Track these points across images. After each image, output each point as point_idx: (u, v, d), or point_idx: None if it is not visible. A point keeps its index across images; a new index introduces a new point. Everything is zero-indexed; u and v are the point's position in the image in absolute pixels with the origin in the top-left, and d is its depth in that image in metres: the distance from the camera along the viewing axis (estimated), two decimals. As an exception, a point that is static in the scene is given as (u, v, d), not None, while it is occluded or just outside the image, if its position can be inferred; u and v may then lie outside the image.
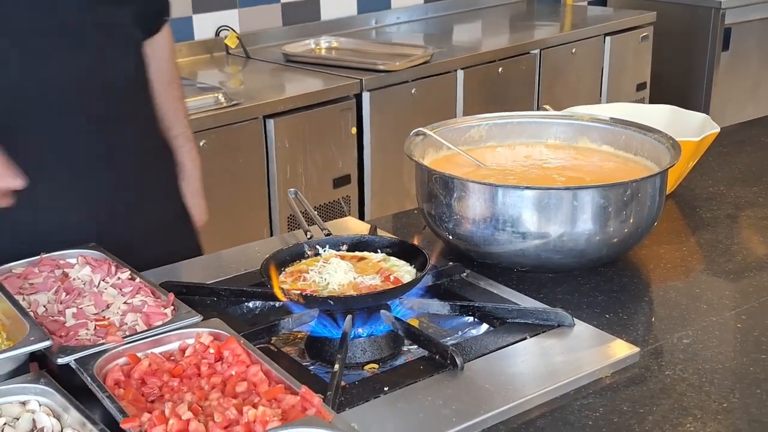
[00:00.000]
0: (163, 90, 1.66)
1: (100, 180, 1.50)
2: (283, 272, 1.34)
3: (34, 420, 0.95)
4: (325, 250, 1.40)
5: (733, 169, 1.98)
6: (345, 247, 1.41)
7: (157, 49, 1.66)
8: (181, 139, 1.70)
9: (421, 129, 1.63)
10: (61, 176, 1.47)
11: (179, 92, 1.73)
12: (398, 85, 3.29)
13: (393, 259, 1.38)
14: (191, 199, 1.73)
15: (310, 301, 1.24)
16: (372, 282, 1.29)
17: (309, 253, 1.39)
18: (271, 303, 1.37)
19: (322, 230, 1.51)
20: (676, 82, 4.58)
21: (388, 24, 4.13)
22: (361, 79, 3.19)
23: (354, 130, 3.20)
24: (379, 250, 1.40)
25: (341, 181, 3.20)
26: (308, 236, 1.45)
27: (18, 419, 0.95)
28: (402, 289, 1.28)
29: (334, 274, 1.30)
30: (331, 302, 1.24)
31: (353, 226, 1.67)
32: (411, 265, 1.35)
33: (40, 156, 1.45)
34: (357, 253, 1.40)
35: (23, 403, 0.98)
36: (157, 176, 1.65)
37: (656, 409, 1.11)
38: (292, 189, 1.60)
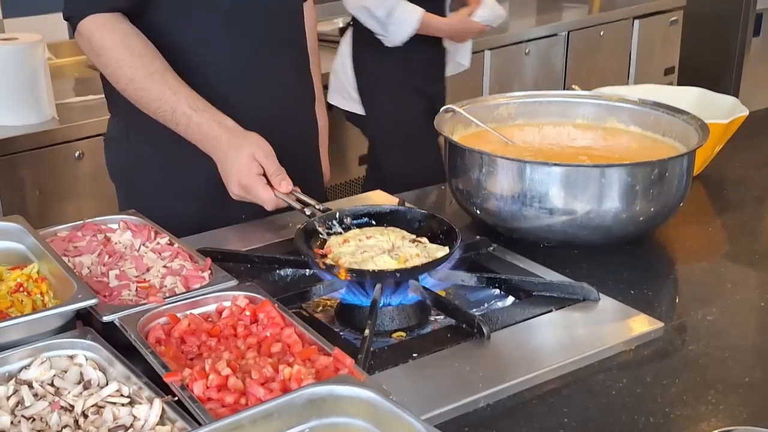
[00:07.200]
0: None
1: (261, 99, 1.58)
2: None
3: (81, 373, 1.00)
4: (338, 225, 1.40)
5: (761, 152, 1.98)
6: (350, 220, 1.41)
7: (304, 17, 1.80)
8: (316, 102, 1.84)
9: (450, 106, 1.66)
10: (227, 93, 1.55)
11: (318, 59, 1.88)
12: (426, 65, 3.29)
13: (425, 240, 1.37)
14: (321, 155, 1.87)
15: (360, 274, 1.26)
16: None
17: (320, 229, 1.38)
18: (302, 271, 1.41)
19: (313, 206, 1.43)
20: (705, 66, 4.55)
21: (417, 4, 4.13)
22: (389, 58, 3.19)
23: (381, 108, 3.21)
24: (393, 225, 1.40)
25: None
26: (308, 213, 1.41)
27: (66, 372, 1.00)
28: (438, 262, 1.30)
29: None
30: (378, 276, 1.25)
31: (382, 200, 1.70)
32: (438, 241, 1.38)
33: (202, 72, 1.54)
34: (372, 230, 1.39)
35: (71, 357, 1.03)
36: (304, 108, 1.77)
37: (679, 382, 1.13)
38: None
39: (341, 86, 2.82)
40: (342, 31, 2.98)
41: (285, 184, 1.42)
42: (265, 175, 1.42)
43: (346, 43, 2.81)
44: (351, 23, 2.82)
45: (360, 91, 2.77)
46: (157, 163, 1.64)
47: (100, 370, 1.00)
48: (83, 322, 1.13)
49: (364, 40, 2.73)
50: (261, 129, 1.48)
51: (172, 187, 1.64)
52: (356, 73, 2.77)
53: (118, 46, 1.48)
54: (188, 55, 1.56)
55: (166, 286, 1.20)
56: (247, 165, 1.42)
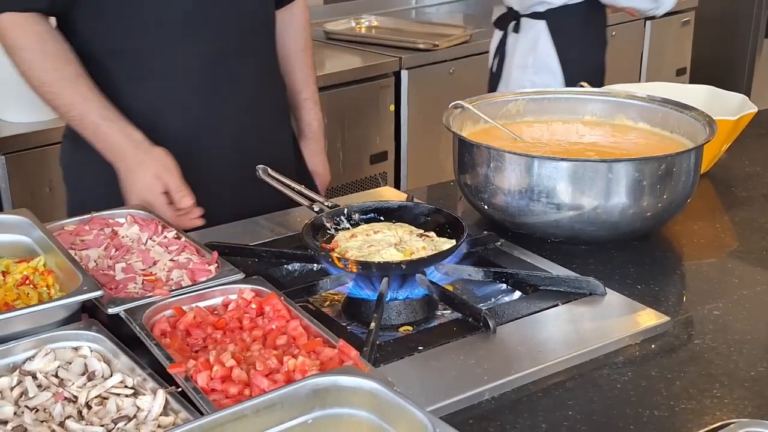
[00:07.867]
0: (297, 55, 1.80)
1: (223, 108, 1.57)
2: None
3: (85, 364, 1.00)
4: (348, 221, 1.41)
5: (770, 150, 1.98)
6: (358, 216, 1.42)
7: (294, 16, 1.80)
8: (310, 103, 1.84)
9: (459, 102, 1.66)
10: (187, 102, 1.54)
11: (311, 59, 1.86)
12: (437, 64, 3.31)
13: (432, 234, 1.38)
14: (317, 156, 1.85)
15: (365, 266, 1.26)
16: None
17: (328, 224, 1.40)
18: (310, 265, 1.41)
19: (321, 202, 1.45)
20: (716, 67, 4.54)
21: (428, 4, 4.14)
22: (400, 57, 3.21)
23: (392, 107, 3.23)
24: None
25: (378, 158, 3.24)
26: (315, 209, 1.42)
27: (71, 363, 1.01)
28: (445, 254, 1.30)
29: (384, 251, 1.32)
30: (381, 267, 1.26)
31: (391, 196, 1.70)
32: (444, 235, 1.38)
33: (153, 80, 1.53)
34: (381, 224, 1.40)
35: (76, 349, 1.03)
36: (270, 118, 1.73)
37: (684, 375, 1.13)
38: (260, 165, 1.51)
39: (542, 85, 2.72)
40: (507, 25, 2.80)
41: (185, 201, 1.47)
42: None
43: (544, 40, 2.71)
44: (505, 20, 2.75)
45: (568, 84, 2.65)
46: (95, 165, 1.56)
47: (104, 361, 1.00)
48: (89, 315, 1.13)
49: (564, 32, 2.69)
50: (221, 141, 1.49)
51: (113, 192, 1.53)
52: (563, 66, 2.71)
53: (32, 48, 1.47)
54: (138, 62, 1.53)
55: (172, 279, 1.20)
56: (151, 184, 1.46)
